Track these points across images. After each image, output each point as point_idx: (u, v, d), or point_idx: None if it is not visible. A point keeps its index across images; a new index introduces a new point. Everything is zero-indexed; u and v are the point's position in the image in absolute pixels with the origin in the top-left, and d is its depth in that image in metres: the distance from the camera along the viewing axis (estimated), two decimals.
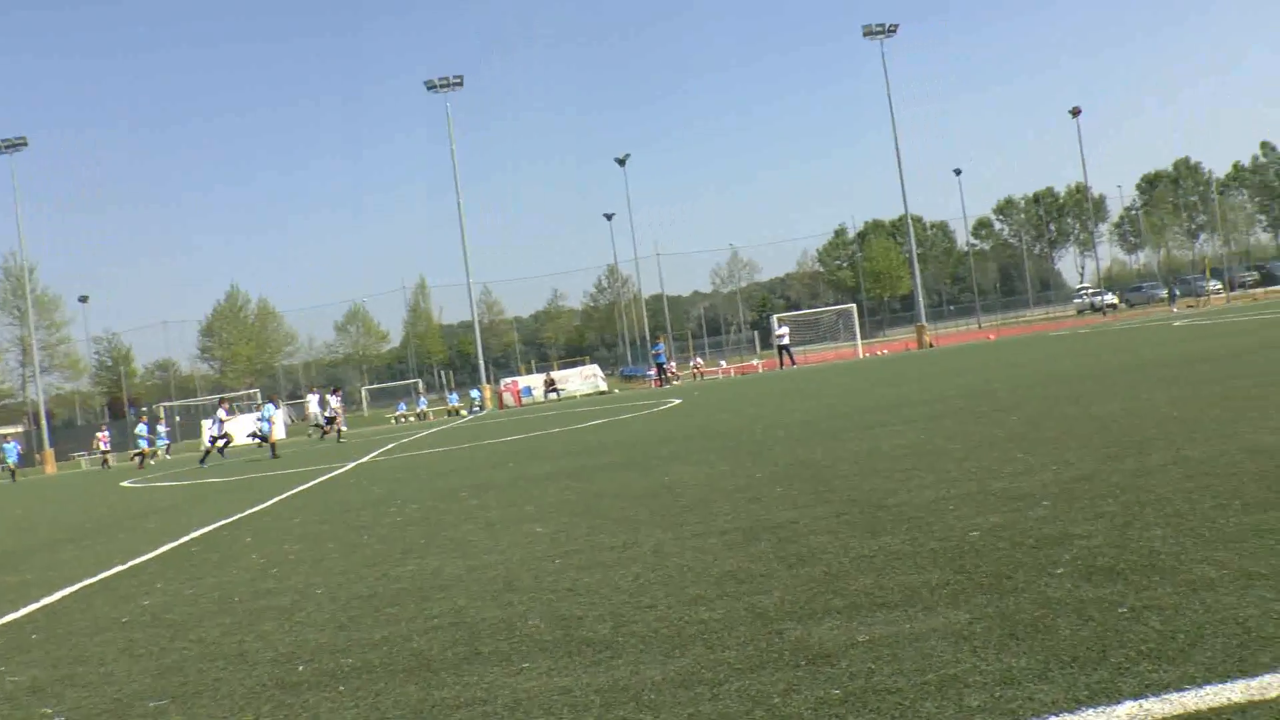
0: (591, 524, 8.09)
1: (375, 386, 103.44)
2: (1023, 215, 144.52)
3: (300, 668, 4.96)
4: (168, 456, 49.36)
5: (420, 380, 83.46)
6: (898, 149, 61.67)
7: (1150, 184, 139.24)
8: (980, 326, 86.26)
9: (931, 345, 54.52)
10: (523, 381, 62.94)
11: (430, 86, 62.02)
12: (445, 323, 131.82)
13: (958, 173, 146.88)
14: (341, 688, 4.52)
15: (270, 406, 32.93)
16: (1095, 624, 3.93)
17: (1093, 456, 7.94)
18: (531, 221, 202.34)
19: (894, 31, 62.81)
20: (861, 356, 53.02)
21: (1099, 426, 9.74)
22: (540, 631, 4.97)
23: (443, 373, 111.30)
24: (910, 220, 70.10)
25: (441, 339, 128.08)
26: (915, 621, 4.27)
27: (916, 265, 69.66)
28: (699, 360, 69.56)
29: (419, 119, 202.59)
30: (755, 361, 62.50)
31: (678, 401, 29.20)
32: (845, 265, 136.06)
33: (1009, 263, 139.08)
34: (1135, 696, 3.24)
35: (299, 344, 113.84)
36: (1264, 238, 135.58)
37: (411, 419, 58.82)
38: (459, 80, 62.12)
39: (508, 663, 4.53)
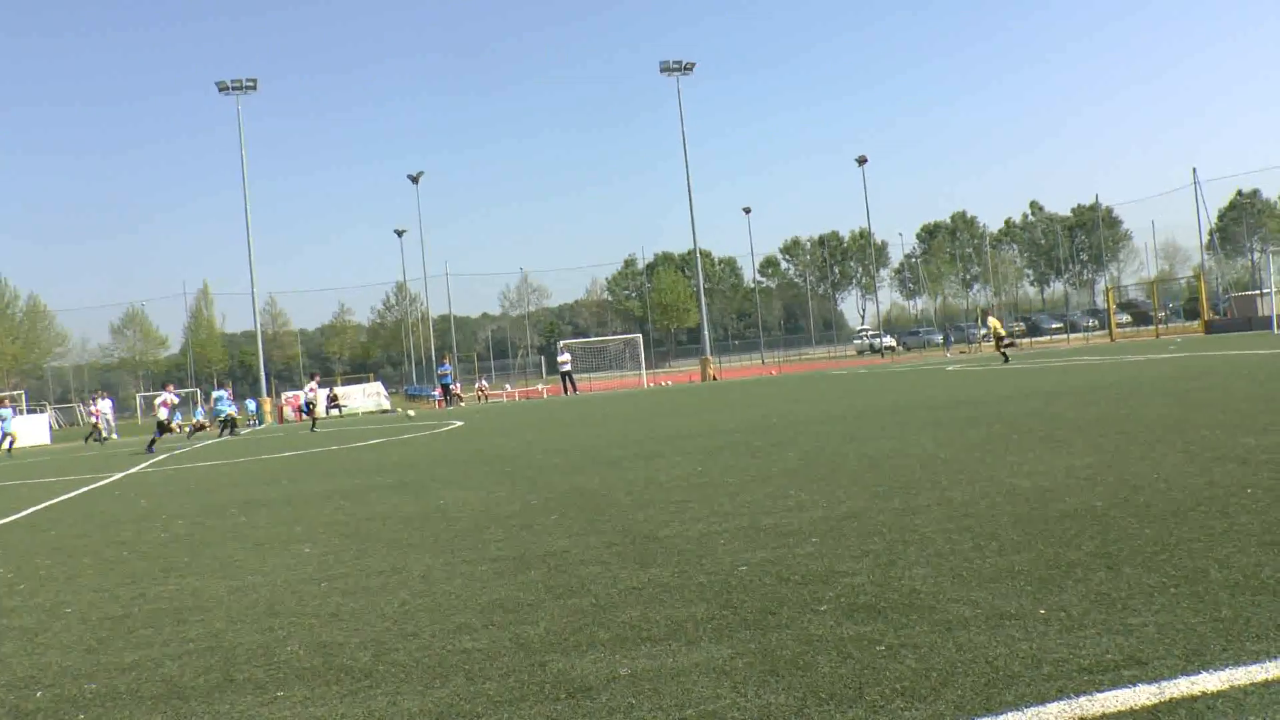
0: (361, 547, 7.87)
1: (151, 394, 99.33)
2: (808, 256, 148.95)
3: (38, 694, 4.64)
4: None
5: (199, 390, 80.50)
6: (689, 185, 62.78)
7: (930, 234, 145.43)
8: (764, 362, 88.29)
9: (715, 378, 55.41)
10: (304, 396, 61.33)
11: (222, 88, 60.24)
12: (228, 331, 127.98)
13: (747, 211, 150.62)
14: (81, 716, 4.25)
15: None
16: (854, 661, 4.00)
17: (862, 494, 8.15)
18: (321, 233, 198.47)
19: (690, 70, 64.06)
20: (646, 386, 53.55)
21: (870, 465, 10.02)
22: (299, 658, 4.79)
23: (223, 383, 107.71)
24: (699, 255, 71.35)
25: (223, 347, 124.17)
26: (678, 656, 4.26)
27: (704, 299, 70.86)
28: (484, 383, 69.20)
29: (212, 120, 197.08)
30: (540, 386, 62.42)
31: (459, 424, 28.92)
32: (634, 295, 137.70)
33: (794, 301, 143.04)
34: None
35: (70, 345, 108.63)
36: (1030, 291, 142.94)
37: (186, 429, 56.43)
38: (252, 83, 60.52)
39: (262, 691, 4.33)
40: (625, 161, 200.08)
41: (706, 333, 65.66)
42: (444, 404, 50.13)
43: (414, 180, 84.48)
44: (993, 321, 39.86)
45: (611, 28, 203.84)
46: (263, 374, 62.41)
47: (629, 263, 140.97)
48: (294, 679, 4.46)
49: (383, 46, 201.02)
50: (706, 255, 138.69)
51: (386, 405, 59.55)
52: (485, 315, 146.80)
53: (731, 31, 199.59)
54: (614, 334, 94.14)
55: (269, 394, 62.19)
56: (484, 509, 9.40)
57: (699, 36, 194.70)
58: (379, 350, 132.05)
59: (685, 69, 64.15)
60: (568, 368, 51.51)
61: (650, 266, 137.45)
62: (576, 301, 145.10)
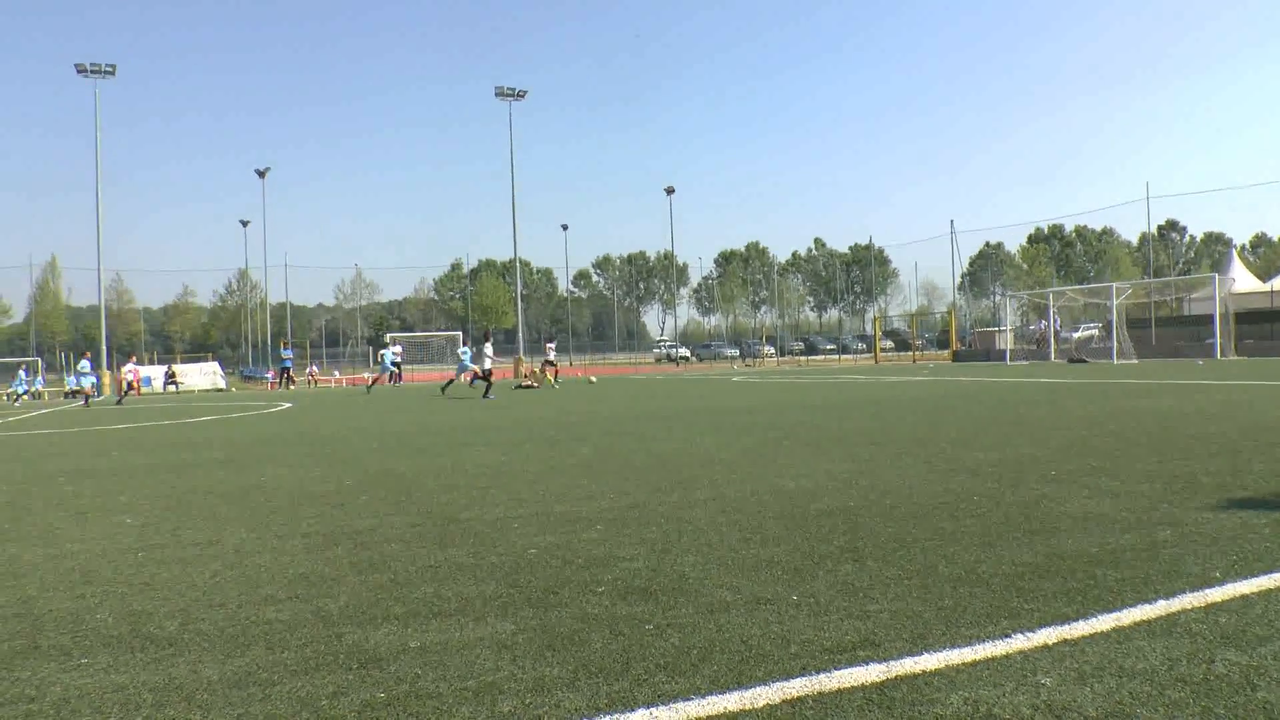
0: (181, 519, 7.51)
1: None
2: (618, 272, 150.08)
3: None
4: None
5: (41, 359, 76.25)
6: (514, 199, 62.61)
7: (726, 260, 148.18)
8: (571, 364, 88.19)
9: (526, 376, 55.02)
10: (144, 371, 58.64)
11: (80, 70, 57.27)
12: (74, 304, 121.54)
13: (565, 227, 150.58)
14: None
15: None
16: (624, 639, 3.99)
17: (646, 488, 8.17)
18: (168, 215, 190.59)
19: (522, 96, 63.86)
20: (463, 381, 52.82)
21: (656, 462, 10.08)
22: (107, 626, 4.51)
23: (65, 354, 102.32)
24: (519, 264, 71.13)
25: (67, 320, 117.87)
26: (466, 630, 4.19)
27: (521, 304, 70.68)
28: (315, 369, 67.40)
29: (71, 100, 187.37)
30: (367, 375, 61.03)
31: (288, 405, 28.08)
32: (458, 297, 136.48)
33: (602, 311, 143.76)
34: (647, 705, 3.30)
35: None
36: (810, 315, 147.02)
37: (25, 398, 53.33)
38: (111, 69, 57.70)
39: (67, 658, 4.06)
40: (458, 172, 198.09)
41: (521, 335, 65.54)
42: (277, 386, 48.66)
43: (261, 175, 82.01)
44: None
45: (456, 50, 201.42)
46: (104, 348, 59.55)
47: (455, 266, 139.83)
48: (99, 646, 4.20)
49: (241, 40, 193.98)
50: (526, 264, 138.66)
51: (222, 385, 57.40)
52: (321, 306, 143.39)
53: (566, 64, 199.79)
54: (438, 330, 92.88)
55: (109, 367, 59.42)
56: (300, 487, 9.10)
57: (534, 63, 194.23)
58: (219, 332, 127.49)
59: (518, 95, 63.89)
60: (396, 359, 50.60)
61: (474, 271, 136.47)
62: (405, 298, 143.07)
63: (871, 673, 3.51)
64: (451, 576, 5.18)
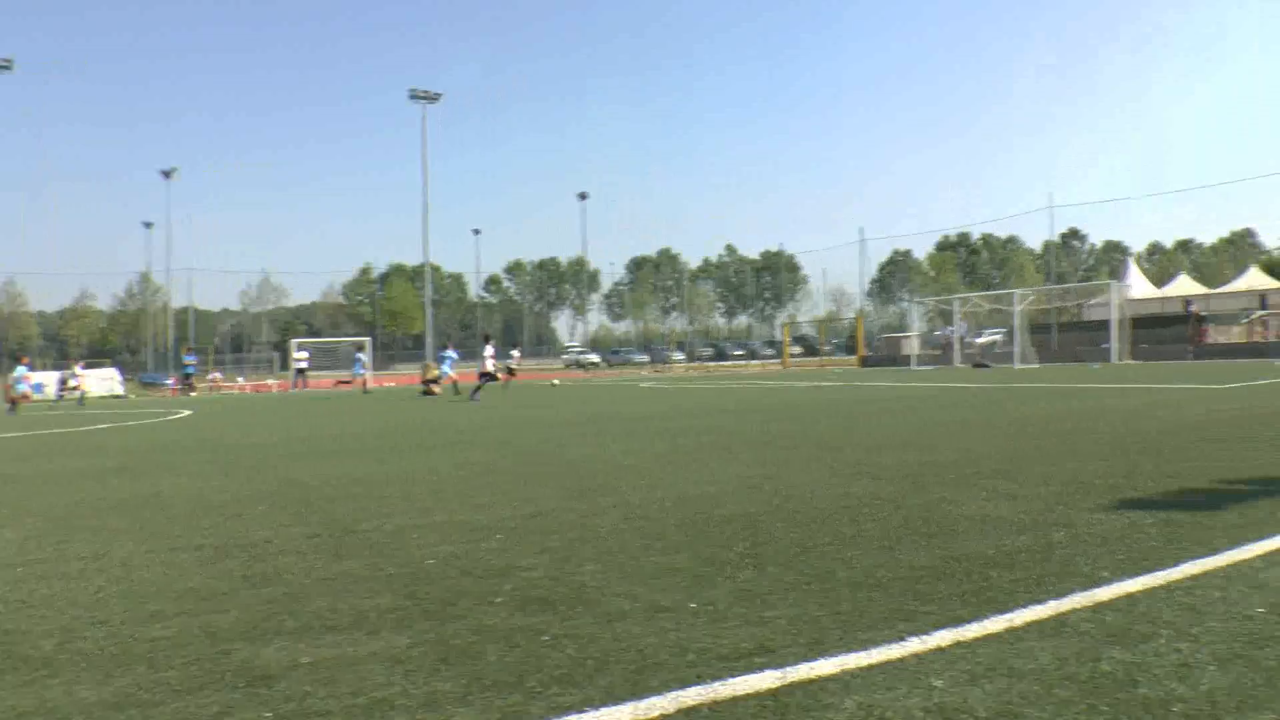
0: (68, 532, 7.24)
1: None
2: (529, 277, 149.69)
3: None
4: None
5: None
6: (426, 203, 61.91)
7: (638, 265, 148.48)
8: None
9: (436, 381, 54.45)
10: (35, 377, 56.81)
11: None
12: None
13: (476, 232, 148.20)
14: None
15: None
16: (520, 650, 3.93)
17: (552, 496, 8.11)
18: (67, 216, 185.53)
19: (436, 99, 63.31)
20: (371, 387, 52.29)
21: (565, 469, 10.02)
22: None
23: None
24: (430, 268, 70.49)
25: None
26: (359, 645, 4.09)
27: (430, 309, 70.03)
28: (218, 374, 65.99)
29: None
30: (271, 381, 59.95)
31: (188, 412, 27.44)
32: (366, 301, 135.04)
33: (513, 317, 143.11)
34: (541, 718, 3.25)
35: None
36: (721, 321, 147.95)
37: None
38: (7, 63, 56.05)
39: None
40: (369, 176, 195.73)
41: (431, 340, 64.88)
42: (177, 392, 47.62)
43: (166, 175, 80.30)
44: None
45: (369, 53, 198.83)
46: None
47: (365, 270, 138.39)
48: None
49: (148, 40, 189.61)
50: (437, 269, 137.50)
51: (120, 391, 55.87)
52: (225, 310, 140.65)
53: (482, 67, 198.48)
54: (346, 336, 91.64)
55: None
56: (198, 497, 8.87)
57: (449, 66, 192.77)
58: (118, 337, 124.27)
59: (432, 98, 63.30)
60: (303, 365, 49.79)
61: (384, 276, 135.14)
62: (313, 303, 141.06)
63: (767, 679, 3.51)
64: (347, 589, 5.07)
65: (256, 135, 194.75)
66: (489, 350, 29.85)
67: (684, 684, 3.49)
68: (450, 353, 35.85)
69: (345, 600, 4.84)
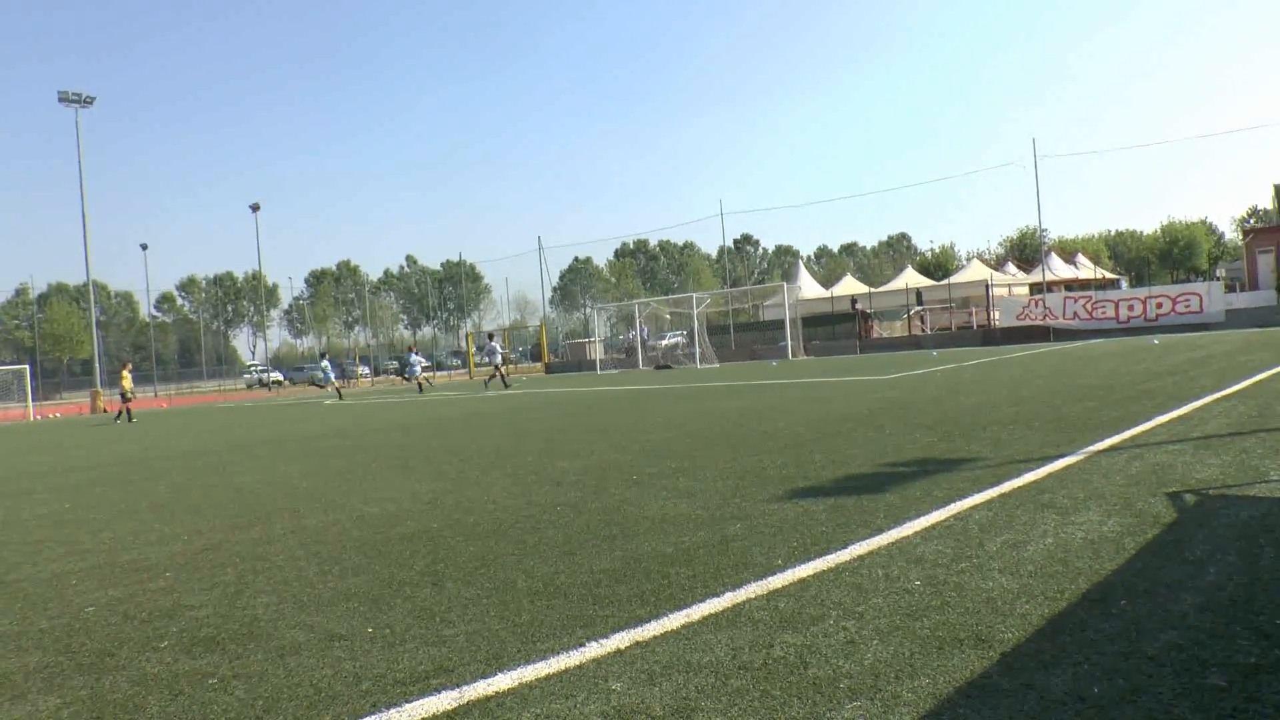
0: None
1: None
2: (204, 294, 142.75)
3: None
4: None
5: None
6: (85, 214, 57.43)
7: (317, 279, 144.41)
8: (157, 395, 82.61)
9: (106, 410, 50.72)
10: None
11: None
12: None
13: (144, 247, 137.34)
14: None
15: None
16: (185, 698, 3.72)
17: (224, 526, 7.73)
18: None
19: (90, 103, 59.02)
20: (33, 419, 48.23)
21: (236, 496, 9.57)
22: None
23: None
24: (94, 287, 65.80)
25: None
26: (1, 712, 3.72)
27: (98, 331, 65.36)
28: None
29: None
30: None
31: None
32: (24, 325, 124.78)
33: (189, 336, 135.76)
34: None
35: None
36: (405, 333, 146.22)
37: None
38: None
39: None
40: (19, 186, 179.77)
41: (99, 365, 60.52)
42: None
43: None
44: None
45: (13, 47, 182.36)
46: None
47: (21, 291, 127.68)
48: None
49: None
50: (103, 287, 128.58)
51: None
52: None
53: (133, 67, 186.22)
54: (2, 364, 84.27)
55: None
56: None
57: (103, 62, 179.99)
58: None
59: (85, 101, 58.83)
60: None
61: (43, 297, 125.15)
62: None
63: (444, 701, 3.46)
64: None
65: None
66: (496, 345, 36.17)
67: (357, 715, 3.40)
68: (415, 356, 36.95)
69: None
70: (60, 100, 58.38)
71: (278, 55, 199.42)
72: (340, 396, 38.68)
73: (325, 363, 41.34)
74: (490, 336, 38.02)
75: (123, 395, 31.86)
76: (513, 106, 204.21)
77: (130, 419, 31.37)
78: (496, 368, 35.70)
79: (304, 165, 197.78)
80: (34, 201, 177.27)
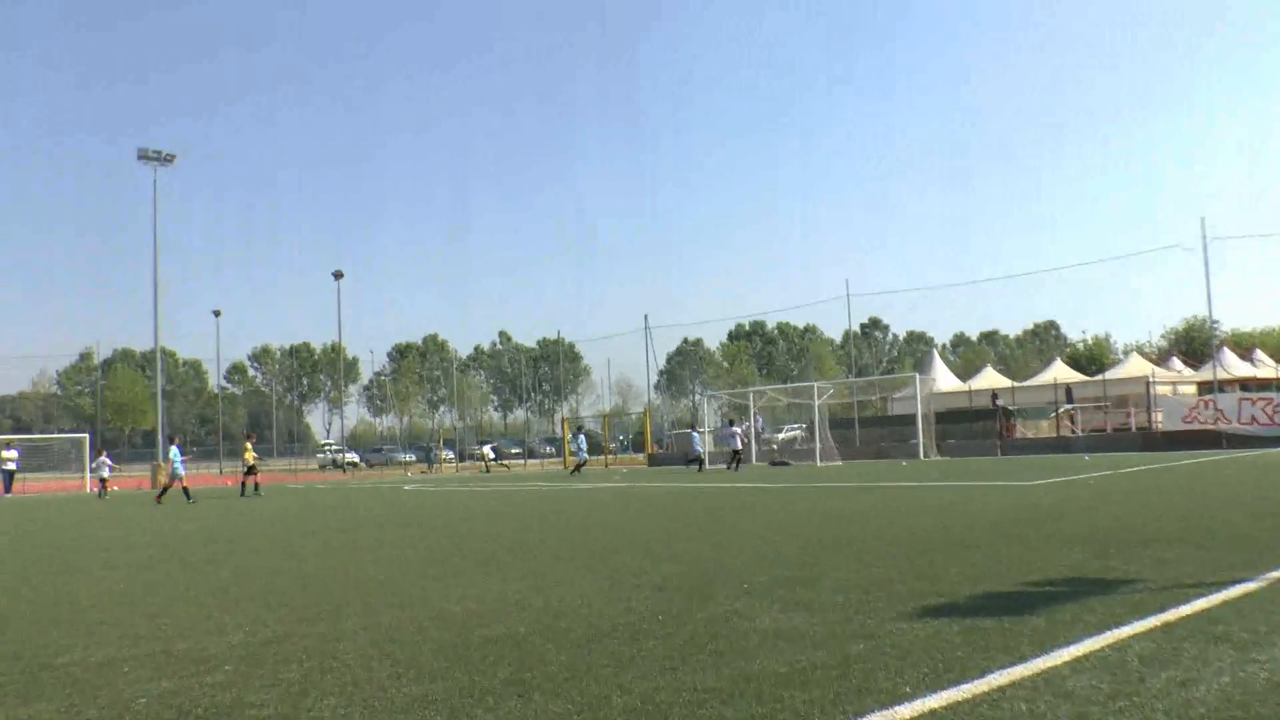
0: None
1: None
2: (277, 365, 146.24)
3: None
4: None
5: None
6: (156, 277, 59.45)
7: (401, 353, 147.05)
8: (222, 472, 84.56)
9: (169, 486, 51.78)
10: None
11: None
12: None
13: (217, 314, 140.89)
14: None
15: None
16: None
17: (290, 617, 7.80)
18: None
19: (170, 160, 61.38)
20: (91, 490, 49.68)
21: (304, 584, 9.68)
22: None
23: None
24: (162, 354, 67.89)
25: None
26: None
27: (162, 401, 67.23)
28: None
29: None
30: None
31: None
32: (87, 391, 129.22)
33: (260, 410, 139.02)
34: None
35: None
36: (495, 416, 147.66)
37: None
38: None
39: None
40: (90, 246, 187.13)
41: (163, 438, 62.14)
42: None
43: None
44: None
45: (93, 109, 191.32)
46: None
47: (85, 356, 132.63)
48: None
49: None
50: (171, 355, 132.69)
51: None
52: None
53: (221, 133, 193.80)
54: (61, 431, 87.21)
55: None
56: None
57: (180, 131, 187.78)
58: None
59: (165, 159, 61.20)
60: (12, 466, 46.79)
61: (108, 362, 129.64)
62: (20, 393, 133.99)
63: None
64: None
65: None
66: (737, 430, 41.92)
67: None
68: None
69: None
70: (140, 158, 60.71)
71: (370, 121, 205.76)
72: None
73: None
74: (732, 422, 44.68)
75: (249, 469, 33.73)
76: (611, 178, 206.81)
77: (257, 491, 32.63)
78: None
79: (391, 234, 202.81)
80: (104, 263, 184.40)
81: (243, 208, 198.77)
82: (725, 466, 40.66)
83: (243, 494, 33.27)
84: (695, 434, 45.09)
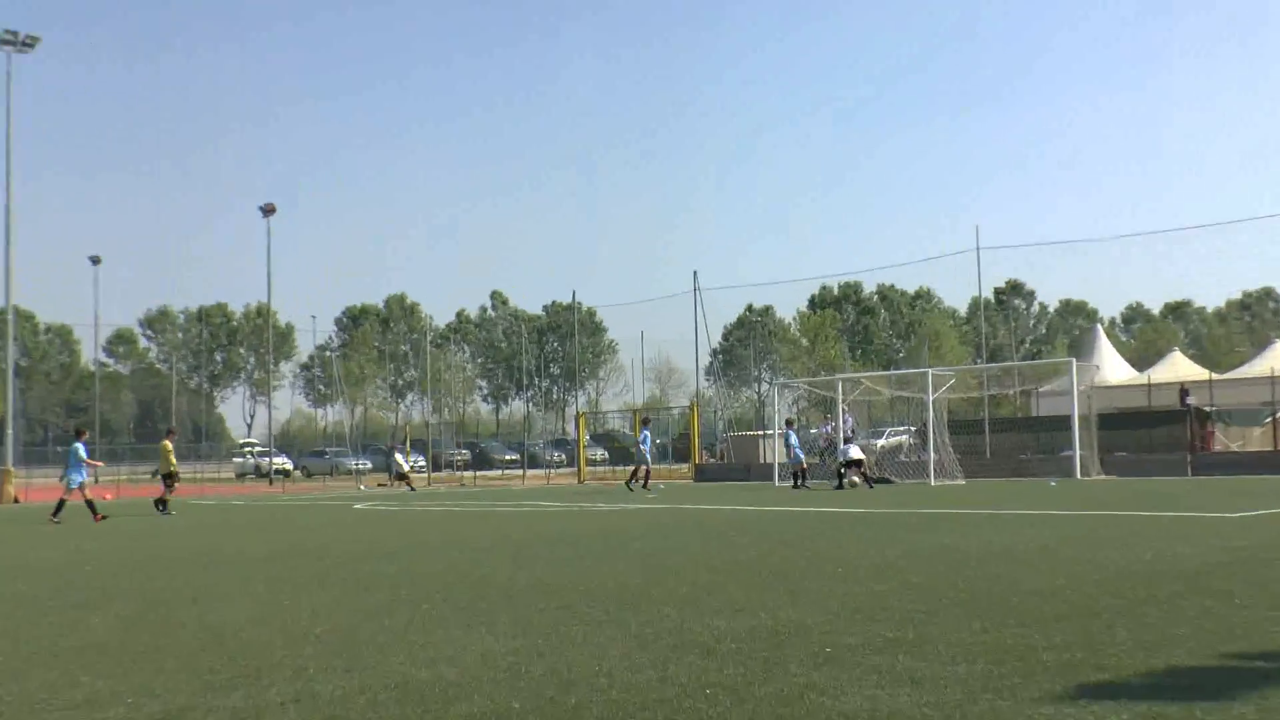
0: None
1: None
2: (180, 334, 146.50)
3: None
4: None
5: None
6: (8, 208, 58.55)
7: (354, 320, 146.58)
8: (98, 480, 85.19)
9: (18, 500, 52.13)
10: None
11: None
12: None
13: (96, 261, 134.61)
14: None
15: None
16: None
17: (193, 683, 7.82)
18: None
19: (32, 45, 61.64)
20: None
21: (213, 639, 9.72)
22: None
23: None
24: (15, 314, 67.99)
25: None
26: None
27: (14, 381, 67.49)
28: None
29: None
30: None
31: None
32: None
33: (154, 396, 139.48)
34: None
35: None
36: (484, 407, 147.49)
37: None
38: None
39: None
40: None
41: (13, 434, 62.48)
42: None
43: None
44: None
45: None
46: None
47: None
48: None
49: None
50: (28, 317, 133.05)
51: None
52: None
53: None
54: None
55: None
56: None
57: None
58: None
59: (24, 44, 60.76)
60: None
61: None
62: None
63: None
64: None
65: None
66: (851, 444, 42.19)
67: None
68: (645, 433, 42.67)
69: None
70: None
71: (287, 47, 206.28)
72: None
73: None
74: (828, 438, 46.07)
75: (167, 476, 33.70)
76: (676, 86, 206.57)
77: (163, 509, 32.29)
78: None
79: (347, 150, 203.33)
80: None
81: (134, 111, 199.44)
82: (793, 485, 41.32)
83: (161, 509, 32.63)
84: (792, 433, 43.96)
